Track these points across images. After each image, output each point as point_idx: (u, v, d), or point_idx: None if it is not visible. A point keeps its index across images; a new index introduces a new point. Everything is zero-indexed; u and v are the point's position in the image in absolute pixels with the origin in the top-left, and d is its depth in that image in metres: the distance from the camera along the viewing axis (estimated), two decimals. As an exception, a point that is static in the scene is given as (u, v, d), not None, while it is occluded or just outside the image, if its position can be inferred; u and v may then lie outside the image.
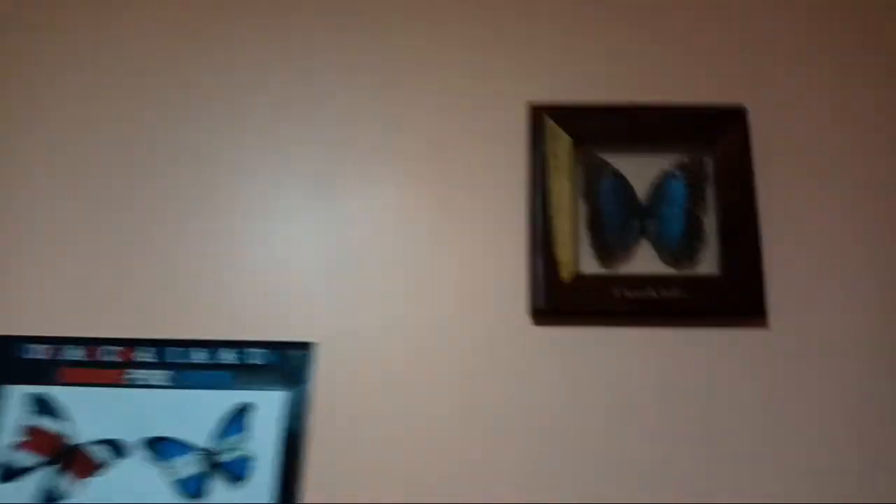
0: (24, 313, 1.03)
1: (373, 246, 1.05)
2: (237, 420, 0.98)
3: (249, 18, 1.16)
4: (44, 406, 0.98)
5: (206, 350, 1.00)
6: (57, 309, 1.03)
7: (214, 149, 1.11)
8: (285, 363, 1.00)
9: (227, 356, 1.00)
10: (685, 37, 1.14)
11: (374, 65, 1.14)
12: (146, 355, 1.00)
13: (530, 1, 1.16)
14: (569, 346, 1.00)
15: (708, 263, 1.03)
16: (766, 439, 0.95)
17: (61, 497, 0.94)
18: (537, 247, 1.02)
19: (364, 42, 1.15)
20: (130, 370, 1.00)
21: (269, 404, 0.98)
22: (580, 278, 1.01)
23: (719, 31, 1.14)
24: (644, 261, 1.03)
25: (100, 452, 0.96)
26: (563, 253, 1.02)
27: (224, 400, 0.98)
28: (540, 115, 1.08)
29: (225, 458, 0.96)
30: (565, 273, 1.01)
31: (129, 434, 0.97)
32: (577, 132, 1.07)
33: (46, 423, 0.97)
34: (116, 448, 0.97)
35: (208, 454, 0.96)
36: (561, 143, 1.07)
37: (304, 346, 1.00)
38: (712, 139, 1.06)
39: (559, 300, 1.00)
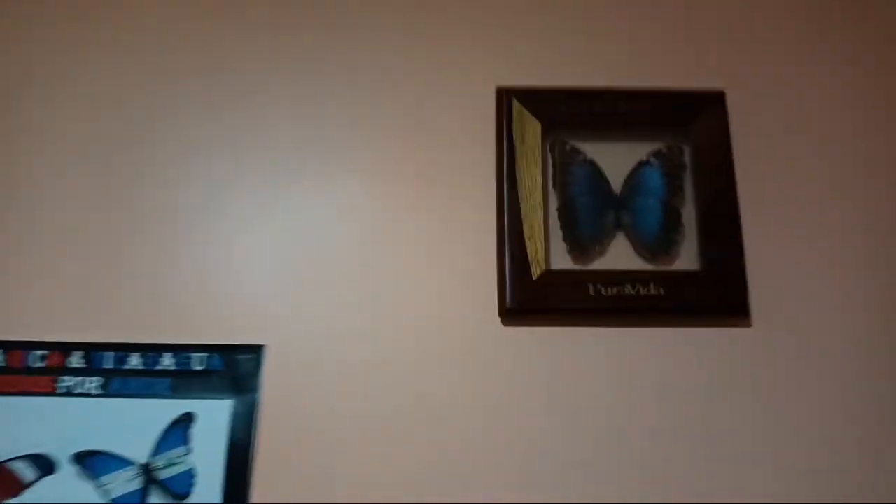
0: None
1: (331, 242, 0.98)
2: (178, 432, 0.89)
3: (203, 6, 1.07)
4: (-40, 419, 0.89)
5: (143, 354, 0.91)
6: (-23, 311, 0.94)
7: (159, 138, 1.02)
8: (231, 368, 0.91)
9: (167, 361, 0.92)
10: (661, 19, 1.08)
11: (334, 50, 1.06)
12: (75, 360, 0.91)
13: (498, -22, 1.09)
14: (540, 346, 0.95)
15: (687, 258, 0.98)
16: (746, 442, 0.91)
17: (-20, 520, 0.85)
18: (505, 242, 0.96)
19: (324, 30, 1.07)
20: (60, 377, 0.91)
21: (213, 414, 0.90)
22: (551, 274, 0.96)
23: (697, 13, 1.09)
24: (619, 256, 0.99)
25: (24, 469, 0.87)
26: (533, 248, 0.96)
27: (163, 409, 0.90)
28: (508, 99, 1.02)
29: (165, 473, 0.88)
30: (536, 269, 0.95)
31: (58, 448, 0.88)
32: (548, 117, 1.01)
33: (-37, 438, 0.88)
34: (43, 464, 0.88)
35: (146, 469, 0.88)
36: (530, 130, 1.01)
37: (252, 350, 0.92)
38: (690, 126, 1.02)
39: (529, 298, 0.94)
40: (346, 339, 0.94)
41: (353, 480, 0.89)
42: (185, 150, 1.01)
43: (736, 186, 0.99)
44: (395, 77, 1.05)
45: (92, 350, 0.91)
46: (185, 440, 0.89)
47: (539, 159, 1.00)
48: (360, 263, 0.97)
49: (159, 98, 1.03)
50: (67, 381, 0.90)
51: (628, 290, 0.95)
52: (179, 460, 0.88)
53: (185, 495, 0.87)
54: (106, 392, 0.90)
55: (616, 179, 1.01)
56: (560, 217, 1.00)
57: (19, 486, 0.87)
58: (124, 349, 0.92)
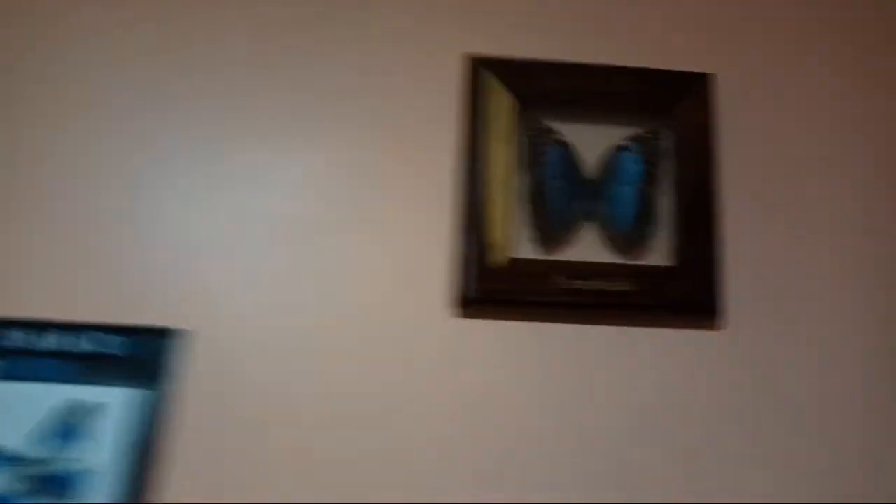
0: None
1: (274, 221, 0.88)
2: (74, 423, 0.76)
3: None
4: None
5: (34, 333, 0.78)
6: None
7: (57, 100, 0.89)
8: (141, 353, 0.79)
9: (67, 342, 0.78)
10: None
11: (278, 7, 0.94)
12: (-49, 336, 0.78)
13: (474, -64, 1.00)
14: (499, 340, 0.87)
15: (662, 252, 0.91)
16: (715, 448, 0.85)
17: None
18: (466, 224, 0.88)
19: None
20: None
21: (117, 404, 0.77)
22: (515, 263, 0.88)
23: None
24: (589, 246, 0.91)
25: None
26: (497, 233, 0.88)
27: (56, 396, 0.77)
28: (478, 69, 0.94)
29: (53, 469, 0.75)
30: (498, 257, 0.87)
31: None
32: (521, 91, 0.93)
33: None
34: None
35: (29, 464, 0.75)
36: (501, 104, 0.92)
37: (164, 334, 0.80)
38: (673, 109, 0.95)
39: (489, 288, 0.87)
40: (283, 327, 0.84)
41: (284, 479, 0.79)
42: (130, 124, 0.88)
43: (718, 177, 0.93)
44: (352, 39, 0.94)
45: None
46: (80, 433, 0.76)
47: (508, 136, 0.92)
48: (305, 244, 0.88)
49: (102, 75, 0.90)
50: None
51: (596, 284, 0.88)
52: (74, 456, 0.75)
53: (77, 495, 0.74)
54: (-8, 374, 0.77)
55: (590, 163, 0.93)
56: (529, 201, 0.91)
57: None
58: (13, 326, 0.78)
